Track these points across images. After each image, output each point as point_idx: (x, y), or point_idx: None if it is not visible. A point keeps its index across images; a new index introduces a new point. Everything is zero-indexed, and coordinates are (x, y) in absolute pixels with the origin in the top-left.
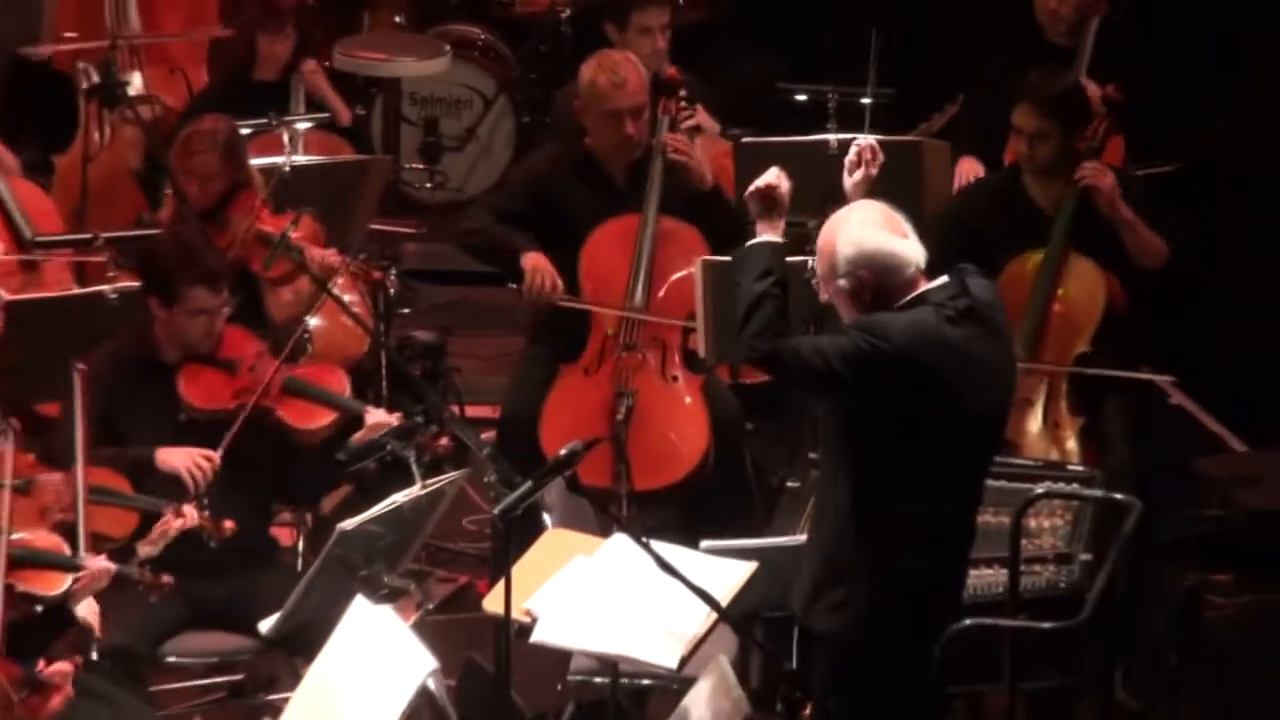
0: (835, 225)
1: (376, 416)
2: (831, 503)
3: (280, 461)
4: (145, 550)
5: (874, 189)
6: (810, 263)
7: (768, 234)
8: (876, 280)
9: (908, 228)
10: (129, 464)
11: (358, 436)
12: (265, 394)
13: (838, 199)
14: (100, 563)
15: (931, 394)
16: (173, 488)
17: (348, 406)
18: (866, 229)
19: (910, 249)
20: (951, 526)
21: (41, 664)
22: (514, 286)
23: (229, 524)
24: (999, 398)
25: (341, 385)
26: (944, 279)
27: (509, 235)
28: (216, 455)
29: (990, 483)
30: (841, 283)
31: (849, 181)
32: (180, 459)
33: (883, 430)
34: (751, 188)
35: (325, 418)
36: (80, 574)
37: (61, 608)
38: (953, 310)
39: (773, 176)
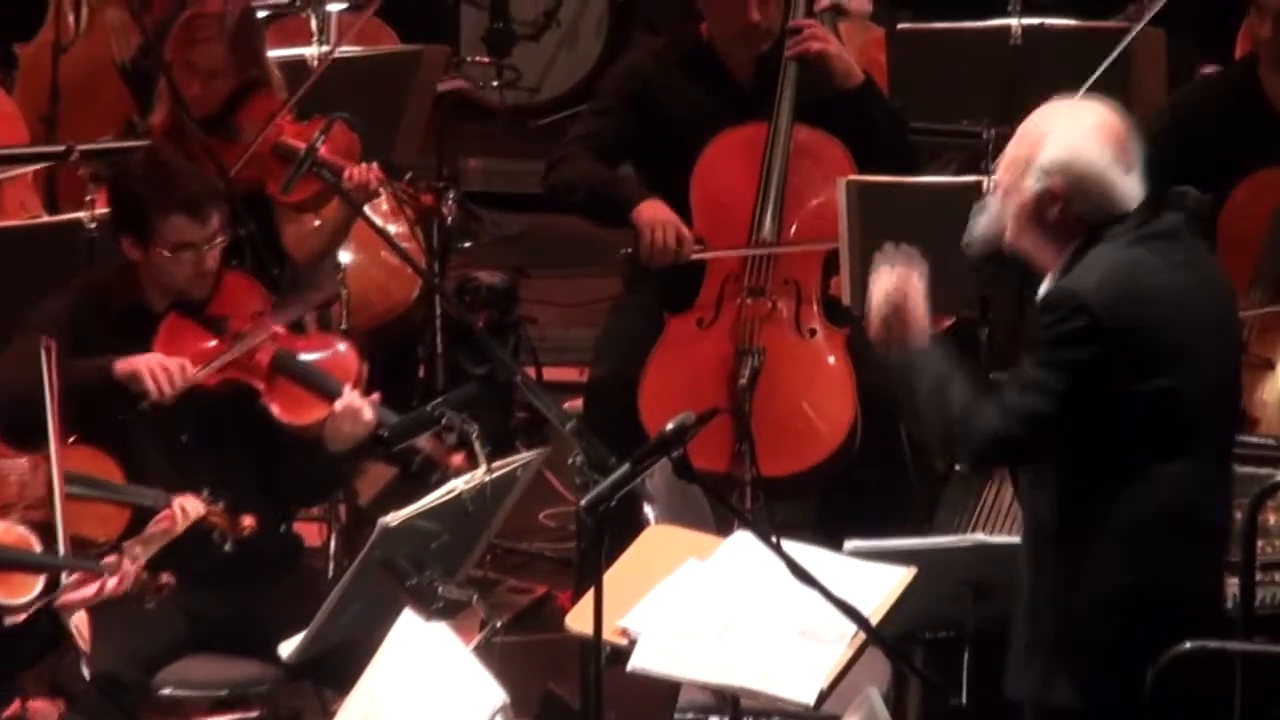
0: (1056, 115)
1: (348, 400)
2: (1032, 504)
3: (269, 456)
4: (136, 551)
5: (1050, 86)
6: (987, 184)
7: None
8: (1068, 203)
9: (1137, 157)
10: (80, 380)
11: (330, 429)
12: (248, 369)
13: (1021, 100)
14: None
15: (1150, 348)
16: (174, 479)
17: (328, 389)
18: (1089, 139)
19: (1128, 189)
20: (1206, 519)
21: (16, 705)
22: (625, 251)
23: (249, 520)
24: (1223, 330)
25: (347, 368)
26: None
27: (615, 185)
28: (192, 368)
29: None
30: (1029, 184)
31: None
32: (142, 361)
33: (1108, 413)
34: (874, 311)
35: (320, 411)
36: (79, 579)
37: (50, 621)
38: (1133, 236)
39: (890, 287)
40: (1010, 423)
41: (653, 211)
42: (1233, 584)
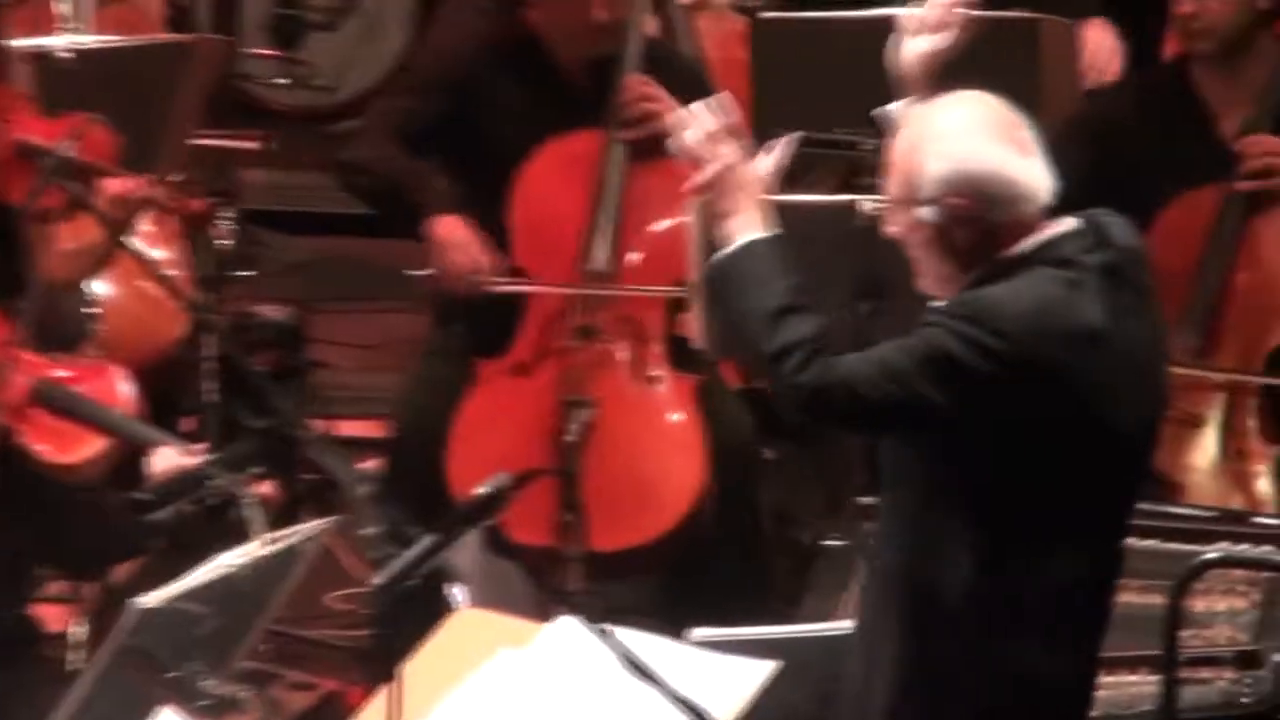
0: (923, 128)
1: (167, 459)
2: (903, 577)
3: (37, 512)
4: None
5: (954, 82)
6: (865, 203)
7: (749, 228)
8: (979, 214)
9: (1031, 139)
10: None
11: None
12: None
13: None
14: None
15: (1067, 406)
16: None
17: (132, 433)
18: (972, 136)
19: (1035, 174)
20: (1085, 604)
21: None
22: (415, 274)
23: None
24: (1151, 400)
25: (120, 396)
26: (1072, 222)
27: (416, 181)
28: None
29: (1136, 543)
30: (926, 213)
31: (907, 54)
32: None
33: (992, 467)
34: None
35: (94, 447)
36: None
37: None
38: (1087, 271)
39: (707, 122)
40: (869, 376)
41: (450, 230)
42: (1153, 682)
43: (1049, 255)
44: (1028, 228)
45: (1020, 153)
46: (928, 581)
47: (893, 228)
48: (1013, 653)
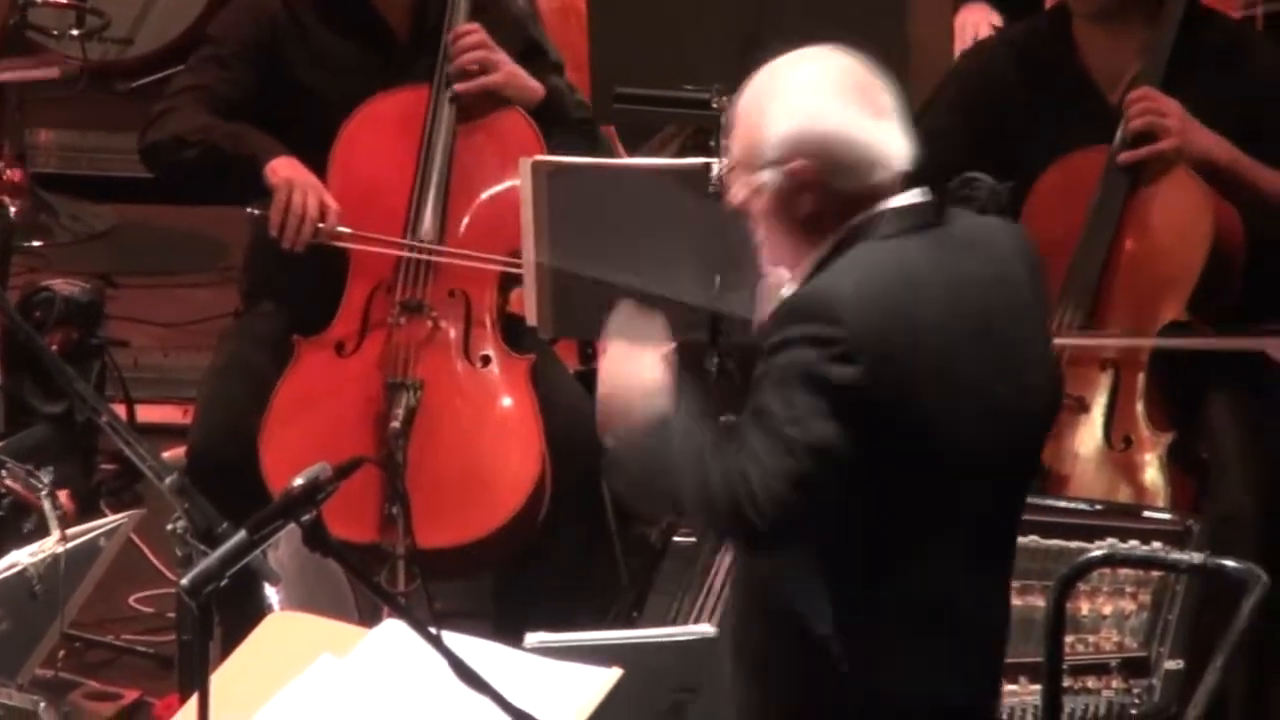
0: (768, 84)
1: None
2: (767, 594)
3: None
4: None
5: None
6: (718, 168)
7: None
8: (823, 180)
9: (889, 100)
10: None
11: None
12: None
13: (763, 59)
14: None
15: (925, 386)
16: None
17: None
18: (821, 94)
19: (889, 141)
20: (978, 616)
21: None
22: (253, 211)
23: None
24: (1029, 378)
25: None
26: (912, 193)
27: (240, 139)
28: None
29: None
30: (766, 176)
31: None
32: None
33: (859, 474)
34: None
35: None
36: None
37: None
38: (907, 225)
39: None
40: (767, 475)
41: (291, 169)
42: (1033, 692)
43: (881, 230)
44: (876, 198)
45: (873, 114)
46: (792, 605)
47: (733, 196)
48: (891, 677)
